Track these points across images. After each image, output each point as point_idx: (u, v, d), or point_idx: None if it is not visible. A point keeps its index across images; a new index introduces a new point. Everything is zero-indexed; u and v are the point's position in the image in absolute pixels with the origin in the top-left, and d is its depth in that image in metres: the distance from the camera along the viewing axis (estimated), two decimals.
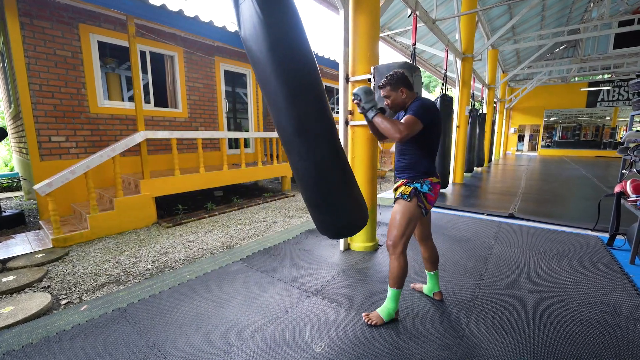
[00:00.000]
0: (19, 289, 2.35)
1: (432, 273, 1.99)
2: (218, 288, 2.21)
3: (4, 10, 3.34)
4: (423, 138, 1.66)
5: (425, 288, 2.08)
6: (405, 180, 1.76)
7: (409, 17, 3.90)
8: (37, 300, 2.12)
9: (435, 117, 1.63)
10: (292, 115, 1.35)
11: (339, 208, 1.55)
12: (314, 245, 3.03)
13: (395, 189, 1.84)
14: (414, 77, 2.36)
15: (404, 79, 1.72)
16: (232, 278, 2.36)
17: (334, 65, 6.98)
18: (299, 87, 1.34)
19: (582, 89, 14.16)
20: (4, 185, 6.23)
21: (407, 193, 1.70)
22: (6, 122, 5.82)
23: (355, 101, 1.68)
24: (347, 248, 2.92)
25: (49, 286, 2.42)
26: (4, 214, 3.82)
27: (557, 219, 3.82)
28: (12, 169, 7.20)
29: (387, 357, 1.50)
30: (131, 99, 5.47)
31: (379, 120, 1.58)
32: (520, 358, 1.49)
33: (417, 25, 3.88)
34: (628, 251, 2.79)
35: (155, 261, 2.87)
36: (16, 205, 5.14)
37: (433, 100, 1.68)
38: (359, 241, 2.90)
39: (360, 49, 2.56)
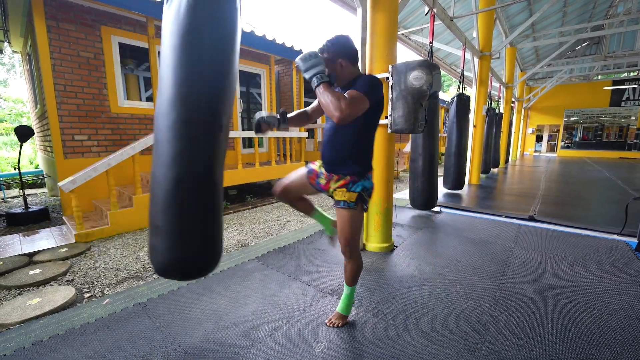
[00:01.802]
0: (44, 282, 2.44)
1: (314, 215, 1.90)
2: (235, 285, 2.23)
3: (33, 14, 3.47)
4: (370, 121, 1.40)
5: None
6: (348, 177, 1.46)
7: (426, 14, 3.83)
8: (62, 293, 2.20)
9: (381, 96, 1.38)
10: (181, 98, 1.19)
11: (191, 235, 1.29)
12: (328, 245, 3.02)
13: (331, 187, 1.54)
14: (434, 75, 2.31)
15: (346, 47, 1.39)
16: (249, 276, 2.38)
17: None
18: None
19: (605, 88, 13.60)
20: (29, 182, 6.50)
21: (354, 200, 1.45)
22: (32, 121, 6.07)
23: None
24: (362, 249, 2.90)
25: (72, 280, 2.50)
26: (30, 210, 3.98)
27: (580, 222, 3.67)
28: (36, 167, 7.50)
29: (406, 359, 1.48)
30: (148, 99, 5.61)
31: (319, 92, 1.24)
32: None
33: (435, 23, 3.81)
34: None
35: None
36: (40, 201, 5.35)
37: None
38: (374, 242, 2.88)
39: (378, 48, 2.54)
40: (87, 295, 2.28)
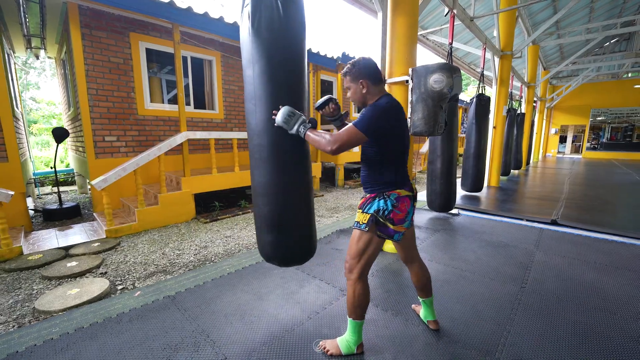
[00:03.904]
0: (81, 274, 2.62)
1: (425, 300, 1.71)
2: (257, 282, 2.32)
3: (69, 23, 3.71)
4: (377, 148, 1.40)
5: (422, 313, 1.81)
6: (367, 195, 1.47)
7: (445, 15, 3.81)
8: (98, 285, 2.35)
9: (387, 125, 1.35)
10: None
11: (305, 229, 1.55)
12: (345, 246, 3.06)
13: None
14: (454, 78, 2.32)
15: (367, 69, 1.42)
16: (269, 273, 2.46)
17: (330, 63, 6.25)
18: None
19: (636, 86, 12.92)
20: (61, 180, 6.89)
21: (366, 222, 1.41)
22: (64, 122, 6.44)
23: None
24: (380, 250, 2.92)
25: (105, 272, 2.67)
26: (64, 206, 4.24)
27: (607, 227, 3.54)
28: (67, 166, 7.93)
29: (425, 359, 1.51)
30: (170, 101, 5.83)
31: (309, 138, 1.36)
32: None
33: (454, 24, 3.78)
34: None
35: (196, 254, 3.05)
36: (71, 198, 5.67)
37: (391, 103, 1.38)
38: (392, 243, 2.89)
39: (398, 51, 2.56)
40: (119, 287, 2.43)
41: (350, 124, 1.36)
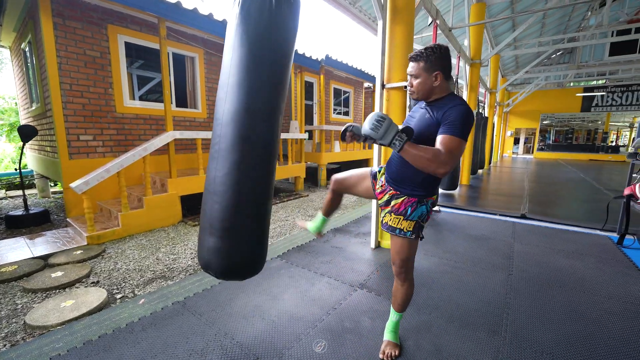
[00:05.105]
0: (70, 284, 2.43)
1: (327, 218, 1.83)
2: (266, 282, 2.33)
3: (39, 10, 3.38)
4: None
5: (310, 225, 1.90)
6: (406, 199, 1.37)
7: (429, 25, 4.07)
8: (94, 295, 2.21)
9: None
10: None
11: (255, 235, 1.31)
12: (344, 243, 3.17)
13: (383, 198, 1.47)
14: (451, 85, 2.52)
15: (447, 60, 1.26)
16: (277, 273, 2.48)
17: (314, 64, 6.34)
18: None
19: (577, 94, 14.61)
20: (17, 183, 6.20)
21: (411, 229, 1.37)
22: (21, 119, 5.80)
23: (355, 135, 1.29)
24: (378, 246, 3.07)
25: (98, 281, 2.51)
26: (31, 212, 3.86)
27: (567, 219, 4.03)
28: (25, 167, 7.15)
29: (447, 341, 1.65)
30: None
31: (410, 154, 1.15)
32: (563, 344, 1.66)
33: (431, 33, 4.05)
34: (638, 249, 3.01)
35: (193, 258, 2.97)
36: (33, 202, 5.15)
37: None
38: (389, 239, 3.05)
39: (396, 58, 2.71)
40: (118, 296, 2.30)
41: (447, 135, 1.17)
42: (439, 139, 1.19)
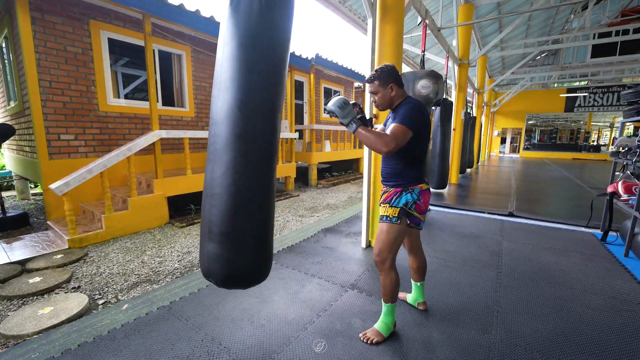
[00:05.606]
0: (48, 290, 2.33)
1: (418, 284, 1.90)
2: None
3: (15, 4, 3.23)
4: (410, 145, 1.47)
5: (410, 297, 1.98)
6: (392, 190, 1.59)
7: (418, 25, 4.09)
8: (74, 301, 2.12)
9: (424, 121, 1.49)
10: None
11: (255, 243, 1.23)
12: (335, 244, 3.14)
13: (381, 197, 1.66)
14: (439, 84, 2.52)
15: (395, 74, 1.54)
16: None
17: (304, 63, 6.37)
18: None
19: (561, 95, 15.02)
20: None
21: (397, 215, 1.54)
22: None
23: (332, 117, 1.56)
24: (369, 245, 3.05)
25: (79, 287, 2.41)
26: (8, 215, 3.69)
27: (552, 216, 4.12)
28: (2, 168, 6.85)
29: (439, 342, 1.64)
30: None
31: (361, 134, 1.40)
32: (554, 339, 1.67)
33: (420, 33, 4.07)
34: (621, 245, 3.08)
35: (180, 260, 2.89)
36: (12, 205, 4.93)
37: (420, 102, 1.54)
38: None
39: (387, 56, 2.70)
40: (100, 301, 2.21)
41: (395, 124, 1.42)
42: (389, 127, 1.47)
